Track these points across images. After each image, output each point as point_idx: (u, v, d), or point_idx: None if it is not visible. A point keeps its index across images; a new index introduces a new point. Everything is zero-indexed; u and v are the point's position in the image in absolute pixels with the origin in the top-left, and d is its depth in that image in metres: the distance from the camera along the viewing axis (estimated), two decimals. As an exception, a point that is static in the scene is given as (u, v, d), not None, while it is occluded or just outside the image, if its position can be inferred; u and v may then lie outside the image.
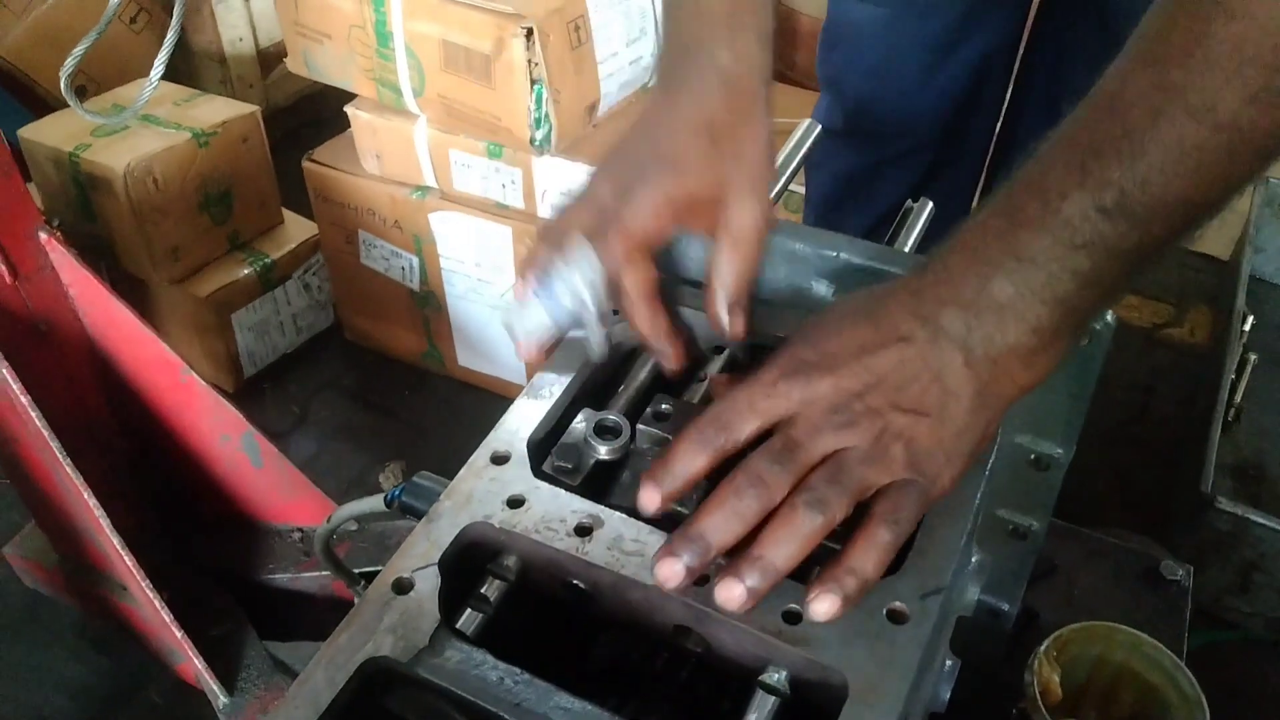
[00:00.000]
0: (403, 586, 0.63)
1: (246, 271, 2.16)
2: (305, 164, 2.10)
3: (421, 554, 0.62)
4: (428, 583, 0.60)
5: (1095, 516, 1.71)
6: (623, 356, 0.76)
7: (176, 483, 1.34)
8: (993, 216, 0.56)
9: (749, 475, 0.54)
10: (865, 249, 0.75)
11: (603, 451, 0.67)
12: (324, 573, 1.24)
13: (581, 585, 0.65)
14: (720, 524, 0.54)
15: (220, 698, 1.15)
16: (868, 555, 0.53)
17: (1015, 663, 0.91)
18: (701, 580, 0.58)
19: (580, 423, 0.68)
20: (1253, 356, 1.73)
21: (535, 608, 0.72)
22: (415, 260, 2.04)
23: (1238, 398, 1.69)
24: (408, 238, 2.02)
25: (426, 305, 2.11)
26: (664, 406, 0.67)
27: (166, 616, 1.10)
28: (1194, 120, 0.49)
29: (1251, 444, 1.82)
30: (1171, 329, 2.23)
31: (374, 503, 0.83)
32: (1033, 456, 0.79)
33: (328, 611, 1.28)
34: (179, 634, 1.10)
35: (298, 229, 2.29)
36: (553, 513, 0.62)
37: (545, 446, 0.67)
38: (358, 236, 2.10)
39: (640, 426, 0.66)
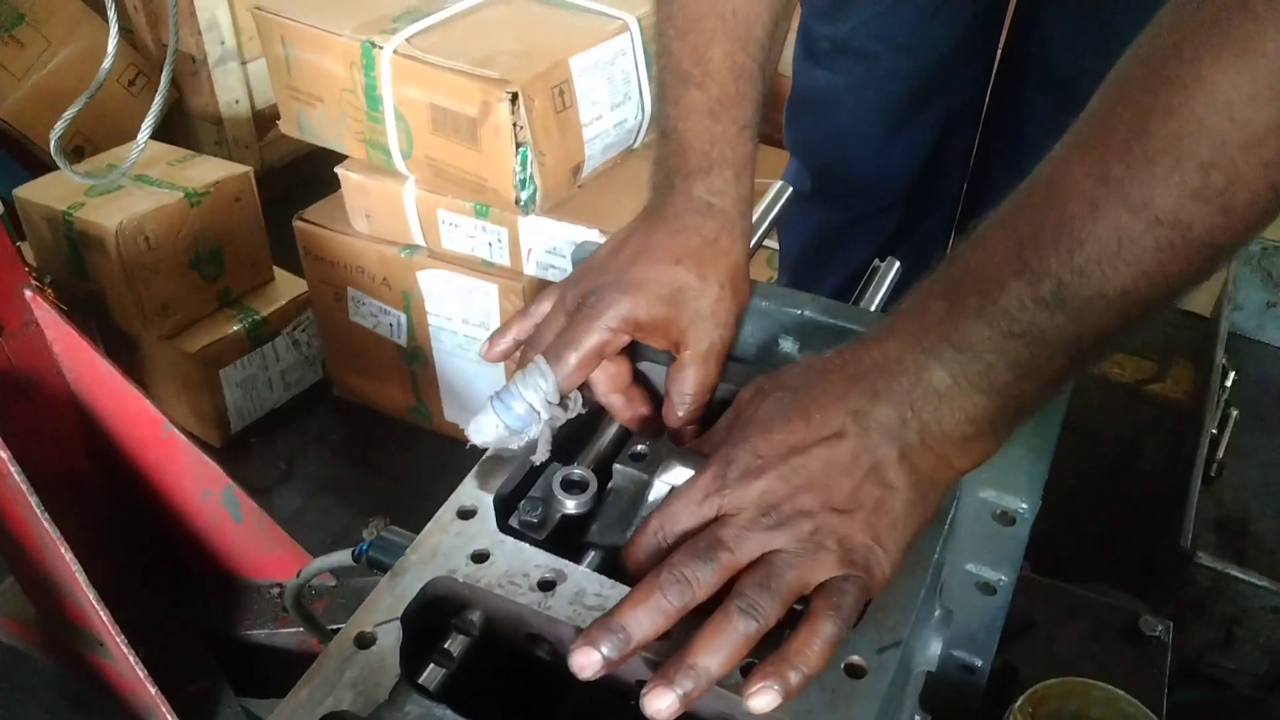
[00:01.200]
0: (364, 641, 0.63)
1: (236, 328, 2.17)
2: (296, 223, 2.12)
3: (385, 608, 0.63)
4: (390, 637, 0.60)
5: (1079, 571, 1.70)
6: (592, 412, 0.76)
7: (157, 538, 1.34)
8: (933, 299, 0.56)
9: (673, 573, 0.54)
10: (828, 307, 0.76)
11: (569, 506, 0.68)
12: (301, 628, 1.24)
13: (544, 640, 0.66)
14: (642, 618, 0.54)
15: (196, 756, 1.14)
16: (810, 648, 0.52)
17: (993, 718, 0.90)
18: (663, 637, 0.58)
19: (548, 477, 0.69)
20: (1234, 411, 1.74)
21: (501, 662, 0.72)
22: (403, 317, 2.05)
23: (1220, 453, 1.70)
24: (396, 295, 2.03)
25: (414, 361, 2.11)
26: (639, 447, 0.69)
27: (141, 673, 1.09)
28: (1132, 214, 0.49)
29: (1235, 498, 1.82)
30: (1155, 384, 2.25)
31: (342, 557, 0.83)
32: (998, 511, 0.80)
33: (304, 667, 1.27)
34: (153, 691, 1.08)
35: (288, 286, 2.30)
36: (516, 567, 0.62)
37: (512, 501, 0.68)
38: (347, 293, 2.11)
39: (617, 467, 0.68)
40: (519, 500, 0.67)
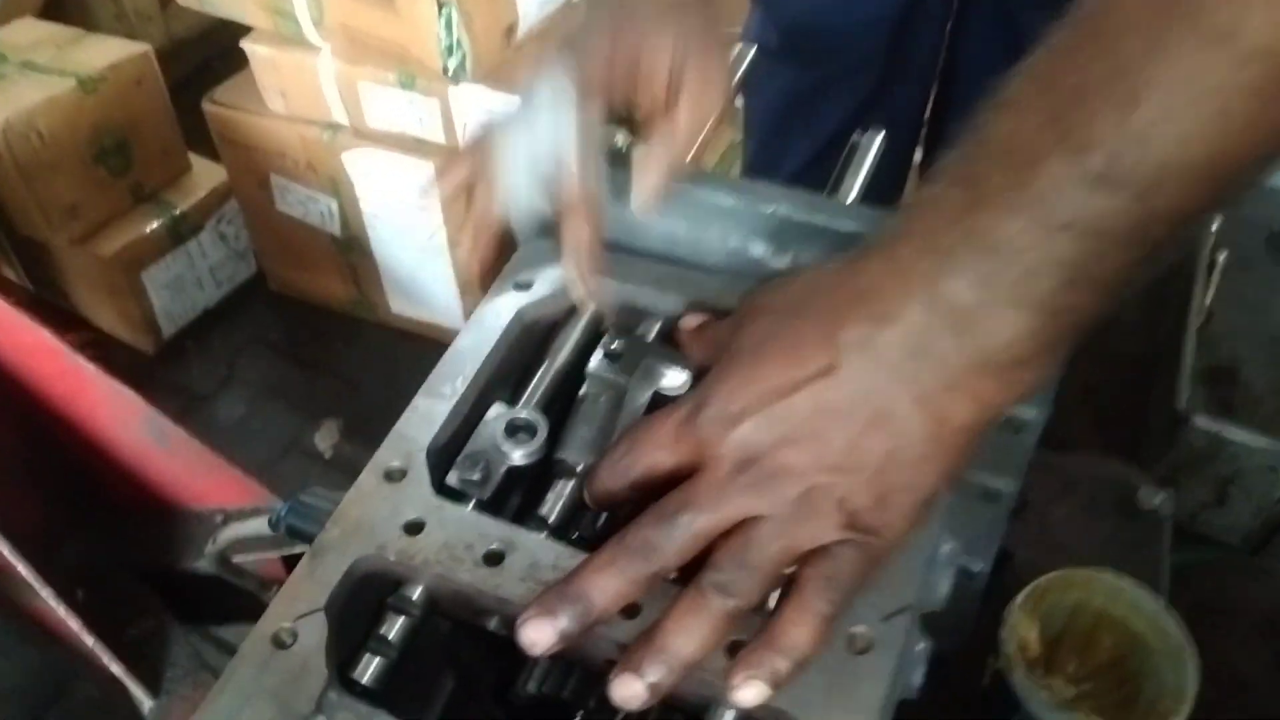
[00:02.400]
0: (283, 639, 0.55)
1: (154, 225, 2.04)
2: (206, 106, 1.97)
3: (305, 598, 0.53)
4: (314, 633, 0.51)
5: (1064, 436, 1.66)
6: (537, 340, 0.66)
7: (80, 477, 1.24)
8: (950, 187, 0.45)
9: (636, 539, 0.48)
10: (803, 202, 0.65)
11: (515, 456, 0.59)
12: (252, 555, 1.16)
13: (496, 622, 0.57)
14: (605, 585, 0.47)
15: (145, 701, 1.07)
16: (799, 629, 0.46)
17: (990, 610, 0.85)
18: (632, 610, 0.50)
19: (488, 423, 0.58)
20: (1221, 255, 1.66)
21: (450, 637, 0.64)
22: (333, 204, 1.94)
23: (1208, 299, 1.63)
24: (323, 180, 1.92)
25: (351, 251, 2.01)
26: (615, 345, 0.62)
27: (75, 624, 1.01)
28: (1213, 48, 0.38)
29: (1223, 346, 1.75)
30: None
31: (258, 526, 0.74)
32: (1005, 418, 0.72)
33: (262, 591, 1.20)
34: (90, 641, 1.01)
35: (207, 176, 2.16)
36: (457, 537, 0.55)
37: (448, 455, 0.59)
38: (270, 181, 2.00)
39: (592, 370, 0.61)
40: (456, 454, 0.57)
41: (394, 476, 0.57)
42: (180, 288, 2.14)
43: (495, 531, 0.54)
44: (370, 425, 0.63)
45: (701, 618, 0.46)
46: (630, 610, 0.49)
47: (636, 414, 0.58)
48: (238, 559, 1.03)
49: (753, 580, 0.46)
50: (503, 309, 0.65)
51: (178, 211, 1.99)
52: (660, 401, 0.58)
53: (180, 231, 2.01)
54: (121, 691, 1.28)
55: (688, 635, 0.46)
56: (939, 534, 0.56)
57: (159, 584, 1.33)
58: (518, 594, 0.55)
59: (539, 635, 0.47)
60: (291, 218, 1.97)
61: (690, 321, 0.61)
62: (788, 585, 0.47)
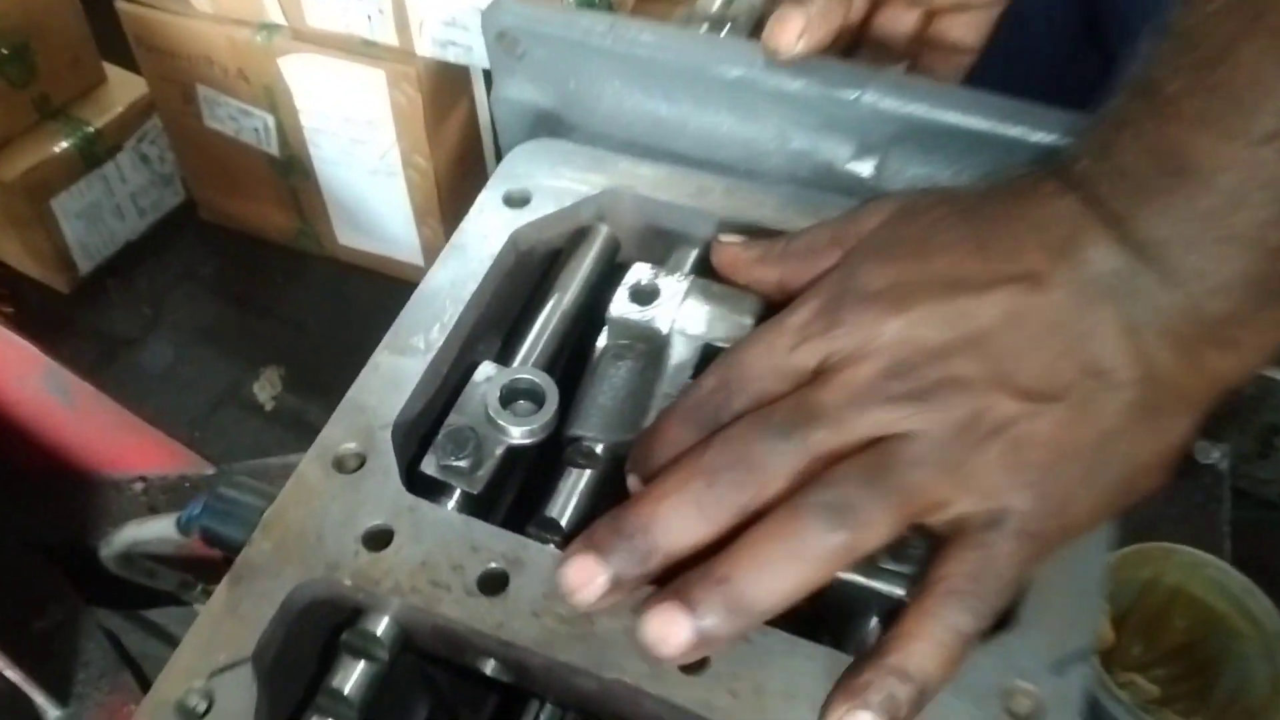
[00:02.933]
0: (192, 709, 0.40)
1: (64, 145, 1.87)
2: (120, 4, 1.77)
3: (225, 642, 0.39)
4: (237, 695, 0.41)
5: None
6: (537, 273, 0.57)
7: (-28, 442, 1.07)
8: (1130, 98, 0.39)
9: (726, 452, 0.40)
10: (903, 88, 0.50)
11: (515, 434, 0.48)
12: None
13: (495, 666, 0.42)
14: (674, 519, 0.39)
15: (51, 711, 0.92)
16: (929, 648, 0.37)
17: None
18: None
19: (477, 389, 0.48)
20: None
21: (428, 677, 0.49)
22: (269, 119, 1.79)
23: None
24: (257, 91, 1.75)
25: (291, 174, 1.86)
26: (643, 280, 0.51)
27: (-39, 623, 0.85)
28: None
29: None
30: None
31: (162, 527, 0.58)
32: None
33: (185, 570, 1.05)
34: (-18, 647, 0.85)
35: (125, 88, 1.97)
36: (440, 552, 0.44)
37: (423, 434, 0.49)
38: (197, 93, 1.83)
39: (615, 314, 0.50)
40: (433, 433, 0.47)
41: (347, 464, 0.46)
42: (97, 217, 1.96)
43: (494, 542, 0.44)
44: (316, 373, 0.53)
45: (793, 549, 0.38)
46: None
47: (682, 373, 0.48)
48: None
49: (879, 509, 0.38)
50: (490, 232, 0.50)
51: (91, 129, 1.85)
52: (714, 356, 0.47)
53: (95, 153, 1.87)
54: (22, 700, 1.13)
55: (768, 571, 0.37)
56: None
57: (69, 564, 1.18)
58: (529, 635, 0.40)
59: (583, 579, 0.39)
60: (222, 135, 1.87)
61: (731, 244, 0.51)
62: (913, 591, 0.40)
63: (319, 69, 1.67)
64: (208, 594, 0.78)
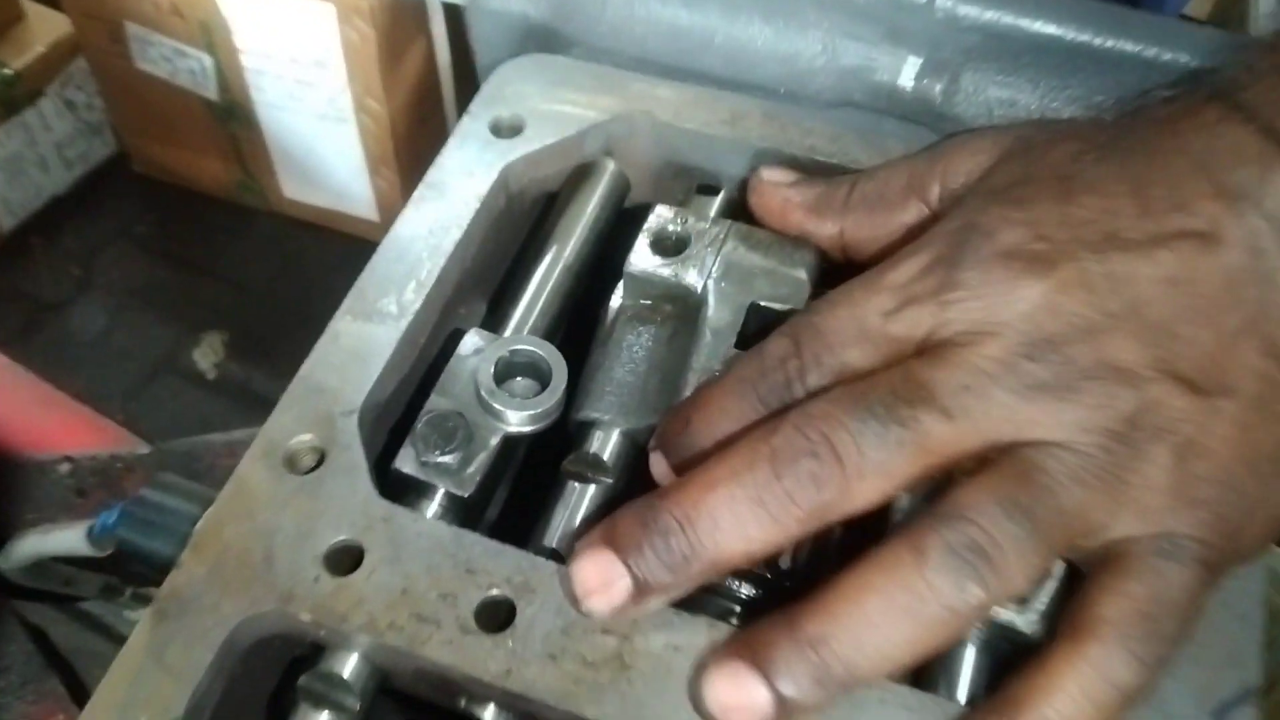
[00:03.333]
0: (104, 791, 0.31)
1: None
2: (34, -69, 1.64)
3: (148, 699, 0.34)
4: None
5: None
6: (531, 218, 0.50)
7: None
8: None
9: (811, 427, 0.33)
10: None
11: (513, 420, 0.40)
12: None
13: (494, 714, 0.34)
14: (728, 515, 0.32)
15: (-32, 723, 0.82)
16: (1081, 707, 0.31)
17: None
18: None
19: (463, 363, 0.40)
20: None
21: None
22: (206, 59, 1.67)
23: None
24: (192, 28, 1.63)
25: (231, 120, 1.77)
26: (672, 227, 0.43)
27: None
28: None
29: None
30: None
31: (70, 539, 0.49)
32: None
33: (111, 573, 0.96)
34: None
35: (45, 26, 1.85)
36: (425, 577, 0.36)
37: (397, 421, 0.42)
38: (125, 31, 1.70)
39: (635, 271, 0.42)
40: (409, 420, 0.40)
41: (302, 463, 0.39)
42: (18, 170, 1.84)
43: (494, 562, 0.37)
44: (262, 338, 0.50)
45: (912, 605, 0.31)
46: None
47: (722, 341, 0.40)
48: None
49: (1027, 552, 0.31)
50: (475, 167, 0.42)
51: (9, 72, 1.72)
52: (768, 320, 0.40)
53: (13, 98, 1.76)
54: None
55: (877, 634, 0.31)
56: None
57: (-11, 555, 1.08)
58: (544, 685, 0.31)
59: (598, 580, 0.33)
60: (155, 78, 1.74)
61: (777, 183, 0.44)
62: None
63: (261, 3, 1.57)
64: (141, 600, 0.67)
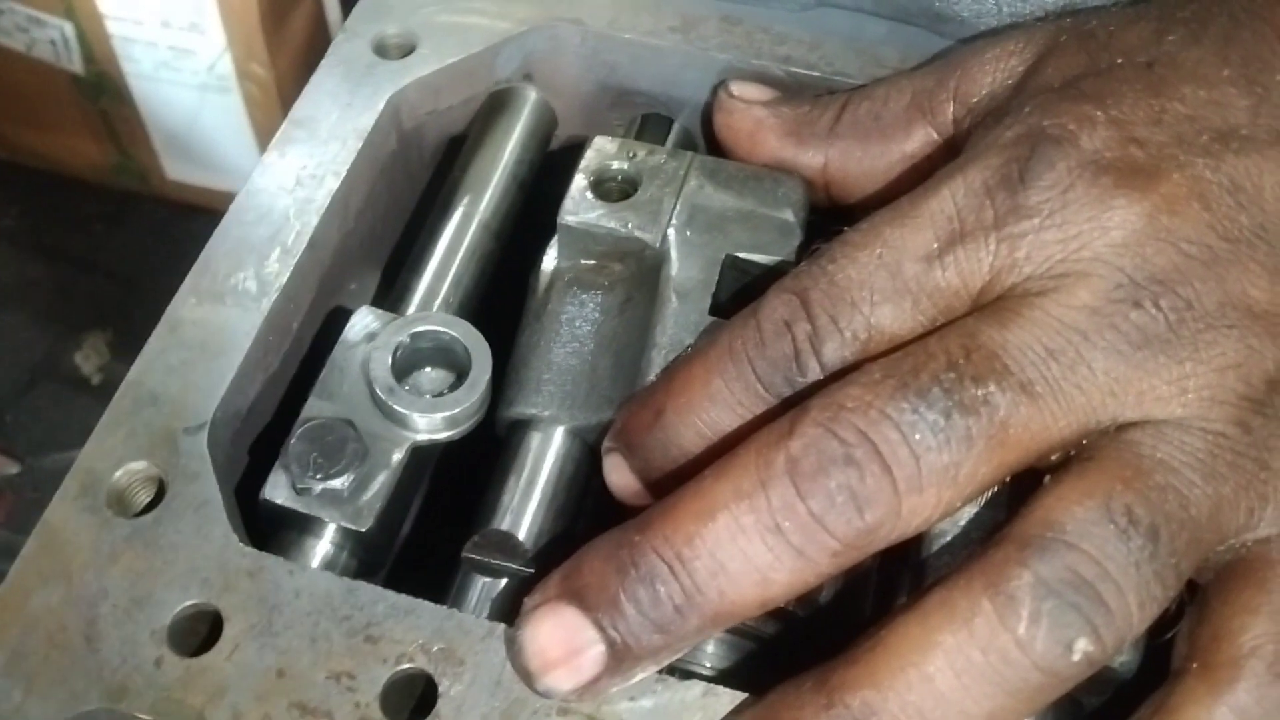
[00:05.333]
0: None
1: None
2: None
3: None
4: None
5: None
6: (429, 161, 0.42)
7: None
8: None
9: (841, 425, 0.25)
10: None
11: (421, 425, 0.32)
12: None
13: None
14: (735, 553, 0.25)
15: None
16: None
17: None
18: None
19: (350, 351, 0.33)
20: None
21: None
22: (67, 27, 1.56)
23: None
24: None
25: (100, 95, 1.66)
26: (614, 162, 0.36)
27: None
28: None
29: None
30: None
31: None
32: None
33: None
34: None
35: None
36: (307, 653, 0.28)
37: (263, 435, 0.34)
38: None
39: (569, 218, 0.35)
40: (281, 434, 0.31)
41: (132, 500, 0.30)
42: None
43: (405, 623, 0.28)
44: (148, 336, 0.39)
45: (997, 671, 0.24)
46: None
47: (693, 306, 0.33)
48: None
49: (1153, 586, 0.24)
50: (355, 98, 0.32)
51: None
52: (751, 278, 0.33)
53: None
54: None
55: (951, 709, 0.23)
56: None
57: None
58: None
59: (560, 649, 0.26)
60: (10, 51, 1.62)
61: (748, 101, 0.37)
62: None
63: (124, -40, 1.45)
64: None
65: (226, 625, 0.27)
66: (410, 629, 0.26)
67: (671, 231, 0.33)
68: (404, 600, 0.27)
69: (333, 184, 0.34)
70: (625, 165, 0.34)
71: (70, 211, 1.83)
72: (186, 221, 1.77)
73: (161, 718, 0.26)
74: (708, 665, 0.31)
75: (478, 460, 0.34)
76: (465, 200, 0.37)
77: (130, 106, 1.67)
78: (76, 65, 1.63)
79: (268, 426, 0.33)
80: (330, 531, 0.30)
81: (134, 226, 1.80)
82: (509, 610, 0.30)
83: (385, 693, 0.26)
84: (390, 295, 0.37)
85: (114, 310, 1.67)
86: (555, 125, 0.41)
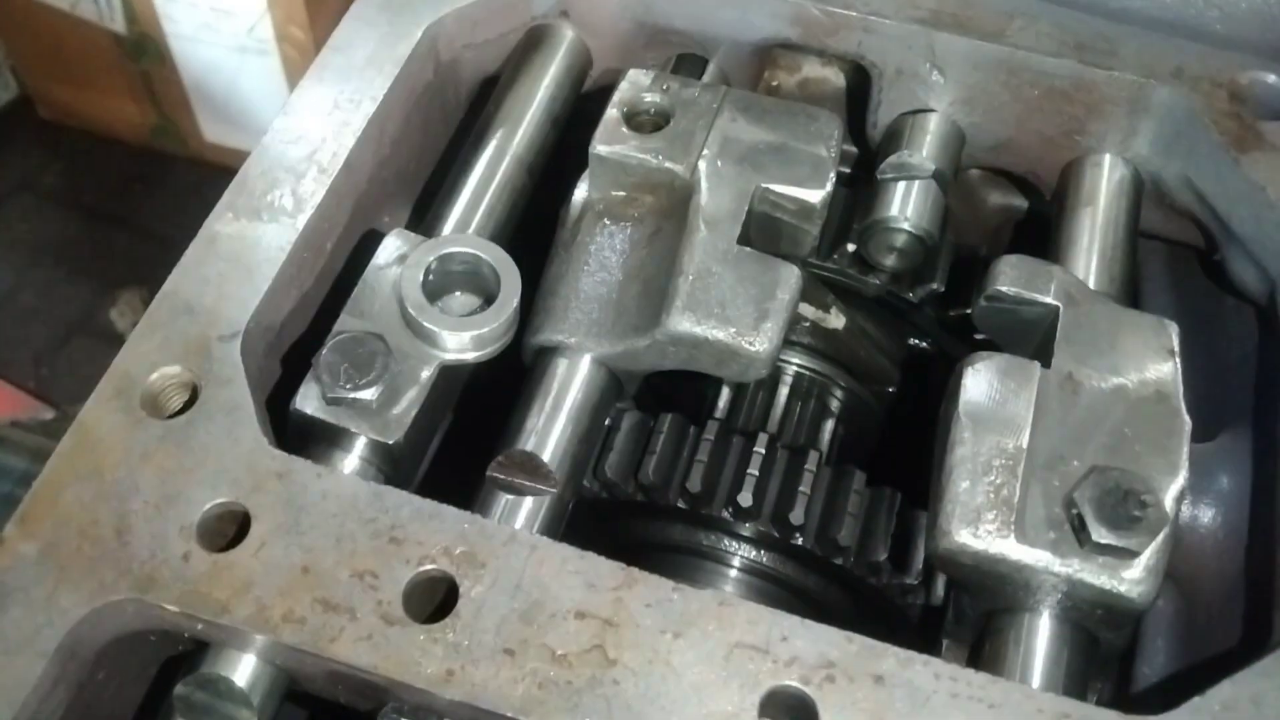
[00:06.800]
0: None
1: None
2: None
3: None
4: None
5: None
6: (467, 94, 0.37)
7: None
8: None
9: None
10: None
11: (451, 343, 0.32)
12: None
13: None
14: None
15: None
16: None
17: None
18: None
19: (380, 273, 0.33)
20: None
21: None
22: None
23: None
24: None
25: (142, 56, 1.63)
26: (647, 96, 0.36)
27: None
28: None
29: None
30: None
31: None
32: None
33: None
34: None
35: None
36: (334, 551, 0.28)
37: (294, 347, 0.34)
38: None
39: (601, 149, 0.35)
40: (312, 346, 0.32)
41: (167, 403, 0.31)
42: (-94, 115, 1.70)
43: (429, 526, 0.28)
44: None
45: None
46: None
47: (722, 236, 0.33)
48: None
49: None
50: (393, 27, 0.32)
51: None
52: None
53: None
54: None
55: None
56: None
57: None
58: (499, 692, 0.24)
59: None
60: (55, 11, 1.60)
61: None
62: None
63: (167, -81, 1.44)
64: None
65: (254, 524, 0.27)
66: (434, 532, 0.27)
67: (703, 163, 0.33)
68: (428, 505, 0.27)
69: (369, 109, 0.35)
70: (659, 98, 0.34)
71: (110, 172, 1.83)
72: (223, 183, 1.77)
73: (186, 610, 0.26)
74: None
75: (507, 391, 0.35)
76: (499, 134, 0.38)
77: (171, 68, 1.65)
78: (119, 25, 1.62)
79: (301, 341, 0.33)
80: (359, 445, 0.30)
81: (172, 187, 1.79)
82: (530, 526, 0.31)
83: (408, 593, 0.26)
84: (424, 224, 0.37)
85: (149, 269, 1.66)
86: (590, 64, 0.41)
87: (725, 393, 0.46)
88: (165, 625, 0.26)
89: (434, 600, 0.26)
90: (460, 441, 0.39)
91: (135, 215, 1.78)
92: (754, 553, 0.37)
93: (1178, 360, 0.34)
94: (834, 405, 0.46)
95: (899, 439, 0.48)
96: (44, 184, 1.85)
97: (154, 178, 1.81)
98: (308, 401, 0.30)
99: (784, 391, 0.46)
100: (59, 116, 1.88)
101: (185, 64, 1.64)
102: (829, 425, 0.46)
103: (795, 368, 0.46)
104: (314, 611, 0.25)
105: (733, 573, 0.38)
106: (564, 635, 0.25)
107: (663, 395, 0.43)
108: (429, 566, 0.26)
